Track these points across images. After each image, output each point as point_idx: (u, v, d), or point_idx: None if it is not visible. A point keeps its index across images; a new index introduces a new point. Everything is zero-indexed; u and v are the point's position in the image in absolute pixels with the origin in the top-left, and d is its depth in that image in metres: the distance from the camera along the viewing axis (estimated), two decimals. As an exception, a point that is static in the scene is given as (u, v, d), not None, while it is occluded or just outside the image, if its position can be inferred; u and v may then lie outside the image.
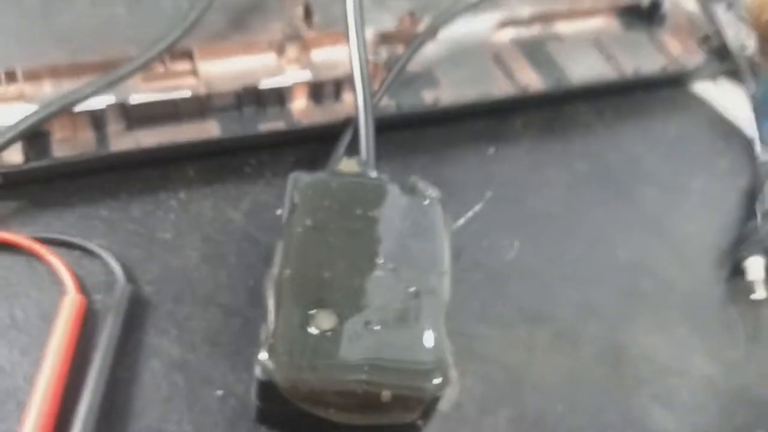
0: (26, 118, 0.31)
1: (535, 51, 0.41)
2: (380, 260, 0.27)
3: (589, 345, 0.31)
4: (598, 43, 0.42)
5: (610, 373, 0.31)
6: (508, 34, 0.41)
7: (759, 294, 0.33)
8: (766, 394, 0.31)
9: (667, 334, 0.33)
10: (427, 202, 0.30)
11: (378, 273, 0.27)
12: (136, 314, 0.29)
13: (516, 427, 0.29)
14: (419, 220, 0.29)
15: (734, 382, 0.31)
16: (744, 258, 0.34)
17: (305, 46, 0.37)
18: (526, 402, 0.29)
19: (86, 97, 0.33)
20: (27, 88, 0.34)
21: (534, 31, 0.42)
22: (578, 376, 0.31)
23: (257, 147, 0.36)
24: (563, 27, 0.42)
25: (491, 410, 0.29)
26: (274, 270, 0.26)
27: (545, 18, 0.42)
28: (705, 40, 0.45)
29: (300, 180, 0.30)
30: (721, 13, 0.46)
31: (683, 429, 0.30)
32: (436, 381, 0.24)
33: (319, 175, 0.31)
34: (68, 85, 0.34)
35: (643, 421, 0.30)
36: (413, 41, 0.38)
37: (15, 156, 0.32)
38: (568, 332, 0.32)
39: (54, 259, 0.29)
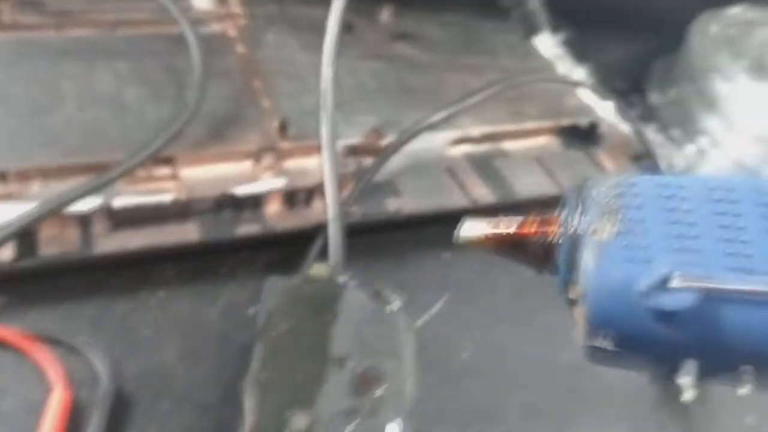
0: (18, 220, 0.34)
1: (484, 166, 0.45)
2: (349, 363, 0.30)
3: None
4: (540, 160, 0.47)
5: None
6: (461, 150, 0.46)
7: (687, 396, 0.37)
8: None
9: (606, 433, 0.36)
10: (390, 307, 0.33)
11: (347, 375, 0.30)
12: (118, 410, 0.30)
13: None
14: (384, 325, 0.33)
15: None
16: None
17: (280, 156, 0.41)
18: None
19: (75, 200, 0.35)
20: (16, 188, 0.36)
21: (484, 147, 0.46)
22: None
23: (233, 249, 0.38)
24: (510, 145, 0.47)
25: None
26: (252, 373, 0.29)
27: (494, 137, 0.47)
28: (637, 158, 0.50)
29: (275, 286, 0.33)
30: (652, 134, 0.52)
31: None
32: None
33: (293, 282, 0.34)
34: (56, 186, 0.36)
35: None
36: (379, 155, 0.42)
37: (4, 255, 0.34)
38: None
39: (41, 354, 0.31)
